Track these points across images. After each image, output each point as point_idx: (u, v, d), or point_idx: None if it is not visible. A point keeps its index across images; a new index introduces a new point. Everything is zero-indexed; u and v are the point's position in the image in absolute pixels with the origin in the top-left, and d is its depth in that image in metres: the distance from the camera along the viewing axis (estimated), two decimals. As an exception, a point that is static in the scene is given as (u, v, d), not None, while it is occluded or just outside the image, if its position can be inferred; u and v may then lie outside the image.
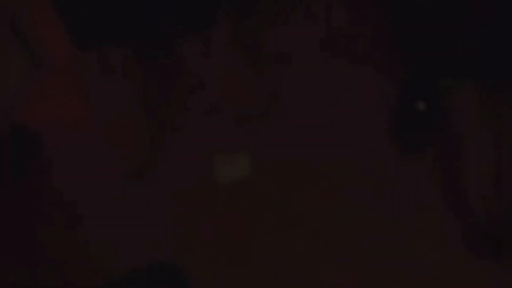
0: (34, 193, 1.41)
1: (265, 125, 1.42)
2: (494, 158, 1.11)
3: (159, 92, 1.54)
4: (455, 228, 1.20)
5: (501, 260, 1.13)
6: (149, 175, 1.39)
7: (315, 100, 1.44)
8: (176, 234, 1.30)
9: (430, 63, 1.15)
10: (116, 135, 1.41)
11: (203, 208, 1.33)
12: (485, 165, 1.12)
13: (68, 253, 1.30)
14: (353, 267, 1.19)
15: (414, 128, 1.25)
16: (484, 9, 1.04)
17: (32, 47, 1.54)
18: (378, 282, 1.18)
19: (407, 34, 1.21)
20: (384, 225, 1.22)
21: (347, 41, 1.52)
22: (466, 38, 1.06)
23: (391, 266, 1.18)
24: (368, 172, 1.31)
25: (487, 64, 1.06)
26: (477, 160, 1.13)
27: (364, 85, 1.42)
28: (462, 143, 1.14)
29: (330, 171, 1.33)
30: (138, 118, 1.42)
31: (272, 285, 1.21)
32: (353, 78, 1.44)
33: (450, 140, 1.20)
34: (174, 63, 1.54)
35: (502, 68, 1.06)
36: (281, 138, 1.40)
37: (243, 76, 1.45)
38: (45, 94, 1.57)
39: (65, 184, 1.42)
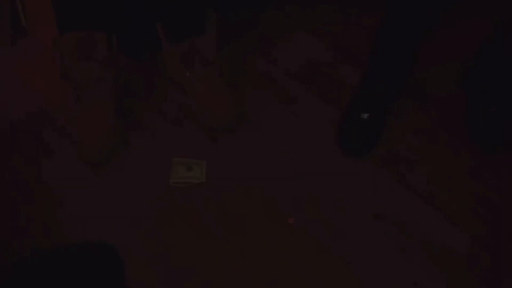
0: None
1: (230, 140, 1.46)
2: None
3: (136, 88, 1.56)
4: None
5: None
6: (109, 167, 1.41)
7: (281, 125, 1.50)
8: (120, 220, 1.33)
9: None
10: (83, 122, 1.42)
11: (151, 204, 1.36)
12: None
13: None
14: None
15: (358, 134, 1.46)
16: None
17: (20, 16, 1.56)
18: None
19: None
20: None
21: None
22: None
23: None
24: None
25: None
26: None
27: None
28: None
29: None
30: (108, 109, 1.43)
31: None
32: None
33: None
34: (158, 64, 1.56)
35: None
36: (243, 156, 1.43)
37: (221, 92, 1.48)
38: (21, 63, 1.59)
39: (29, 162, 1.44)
